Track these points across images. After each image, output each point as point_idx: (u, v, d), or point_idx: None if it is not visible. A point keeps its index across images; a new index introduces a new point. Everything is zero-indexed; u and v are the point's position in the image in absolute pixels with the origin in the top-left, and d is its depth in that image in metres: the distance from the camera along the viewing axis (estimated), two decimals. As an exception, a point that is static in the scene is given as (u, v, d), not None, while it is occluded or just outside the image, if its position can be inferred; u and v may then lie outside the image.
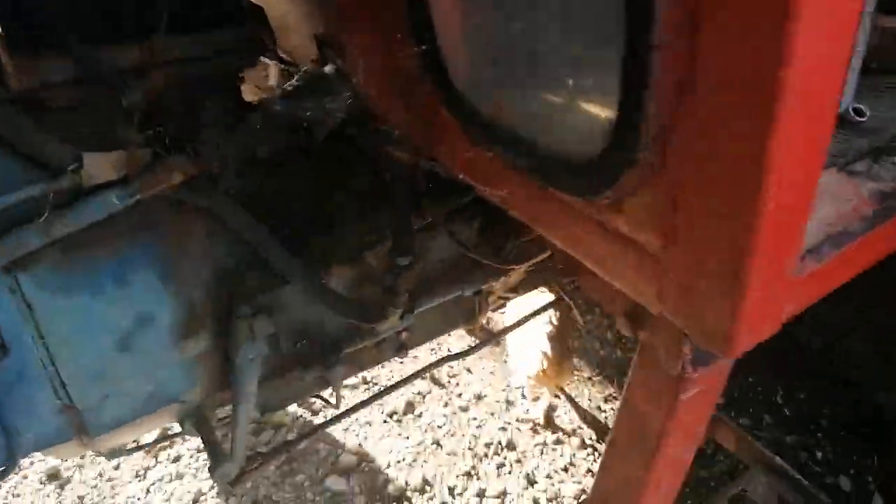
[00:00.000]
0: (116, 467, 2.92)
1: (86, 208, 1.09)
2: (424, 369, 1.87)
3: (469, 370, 3.27)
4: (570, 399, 3.10)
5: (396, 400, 3.12)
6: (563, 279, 1.07)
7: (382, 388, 1.82)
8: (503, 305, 2.05)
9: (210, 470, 1.38)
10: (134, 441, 2.09)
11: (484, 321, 2.02)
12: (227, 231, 1.34)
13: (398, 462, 2.85)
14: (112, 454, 1.47)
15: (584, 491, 2.72)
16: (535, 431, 2.95)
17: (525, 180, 0.84)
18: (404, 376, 1.76)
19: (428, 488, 2.74)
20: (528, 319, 2.02)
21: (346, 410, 1.81)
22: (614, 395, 3.12)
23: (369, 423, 3.03)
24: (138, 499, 2.79)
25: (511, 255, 1.79)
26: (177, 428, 1.51)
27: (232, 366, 1.40)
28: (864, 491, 2.71)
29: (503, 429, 2.95)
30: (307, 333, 1.56)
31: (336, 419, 1.83)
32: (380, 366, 2.51)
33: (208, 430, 1.47)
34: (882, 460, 2.89)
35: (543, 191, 0.82)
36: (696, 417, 0.96)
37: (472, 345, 1.94)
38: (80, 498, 2.80)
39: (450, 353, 1.87)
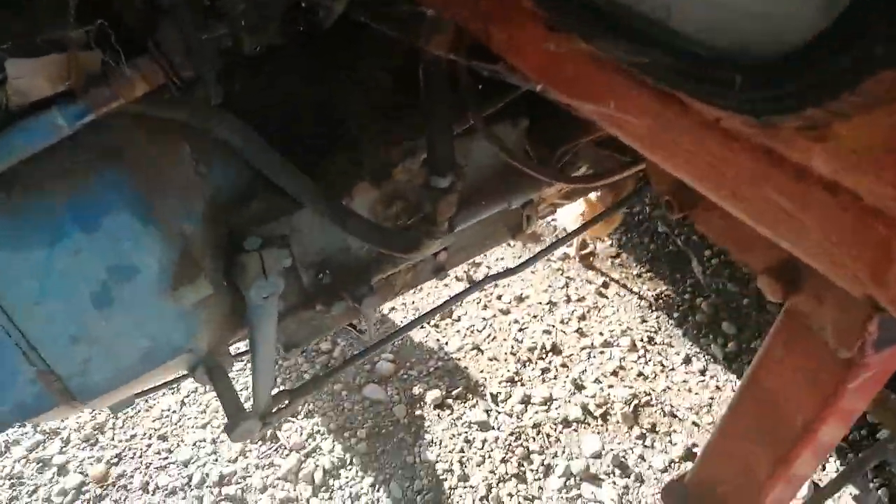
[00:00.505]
0: (149, 380, 2.85)
1: (21, 136, 0.81)
2: (470, 289, 1.63)
3: (508, 269, 3.05)
4: (624, 286, 2.89)
5: (433, 303, 2.94)
6: (670, 215, 0.79)
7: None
8: (554, 212, 1.78)
9: (227, 429, 1.20)
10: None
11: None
12: (220, 150, 1.07)
13: (437, 369, 2.71)
14: (118, 407, 1.30)
15: (635, 395, 2.57)
16: (581, 334, 2.76)
17: (640, 86, 0.53)
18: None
19: (470, 396, 2.61)
20: (586, 228, 1.74)
21: (387, 338, 1.61)
22: (666, 293, 2.89)
23: (405, 329, 2.87)
24: (174, 411, 2.73)
25: (567, 160, 1.50)
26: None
27: (245, 306, 1.19)
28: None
29: (547, 332, 2.77)
30: (330, 263, 1.32)
31: (375, 346, 1.63)
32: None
33: (222, 379, 1.27)
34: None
35: (669, 102, 0.53)
36: (859, 403, 0.70)
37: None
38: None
39: (500, 271, 1.62)
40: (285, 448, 2.53)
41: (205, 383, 1.28)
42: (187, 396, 2.77)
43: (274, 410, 1.44)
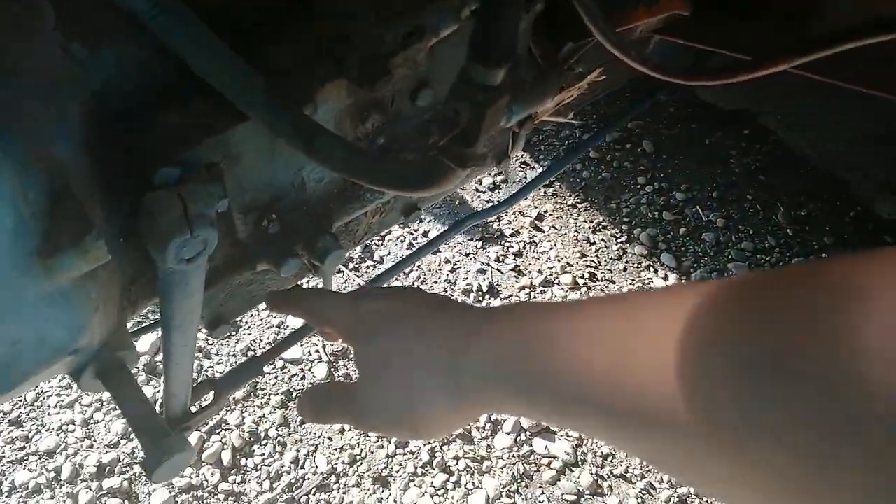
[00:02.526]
0: None
1: None
2: (438, 239, 1.26)
3: (432, 202, 2.70)
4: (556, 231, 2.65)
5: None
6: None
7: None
8: (535, 132, 1.44)
9: (146, 467, 0.78)
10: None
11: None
12: (113, 22, 0.62)
13: (361, 320, 2.34)
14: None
15: (578, 337, 2.37)
16: (518, 273, 2.50)
17: None
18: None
19: (400, 348, 2.28)
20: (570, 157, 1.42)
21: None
22: (604, 223, 2.68)
23: (318, 274, 2.46)
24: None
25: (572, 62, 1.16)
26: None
27: (153, 270, 0.76)
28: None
29: (482, 271, 2.48)
30: (279, 204, 0.91)
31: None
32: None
33: (124, 383, 0.84)
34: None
35: None
36: None
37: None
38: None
39: (484, 208, 1.27)
40: (182, 424, 2.08)
41: (96, 390, 0.84)
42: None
43: (195, 410, 1.04)
